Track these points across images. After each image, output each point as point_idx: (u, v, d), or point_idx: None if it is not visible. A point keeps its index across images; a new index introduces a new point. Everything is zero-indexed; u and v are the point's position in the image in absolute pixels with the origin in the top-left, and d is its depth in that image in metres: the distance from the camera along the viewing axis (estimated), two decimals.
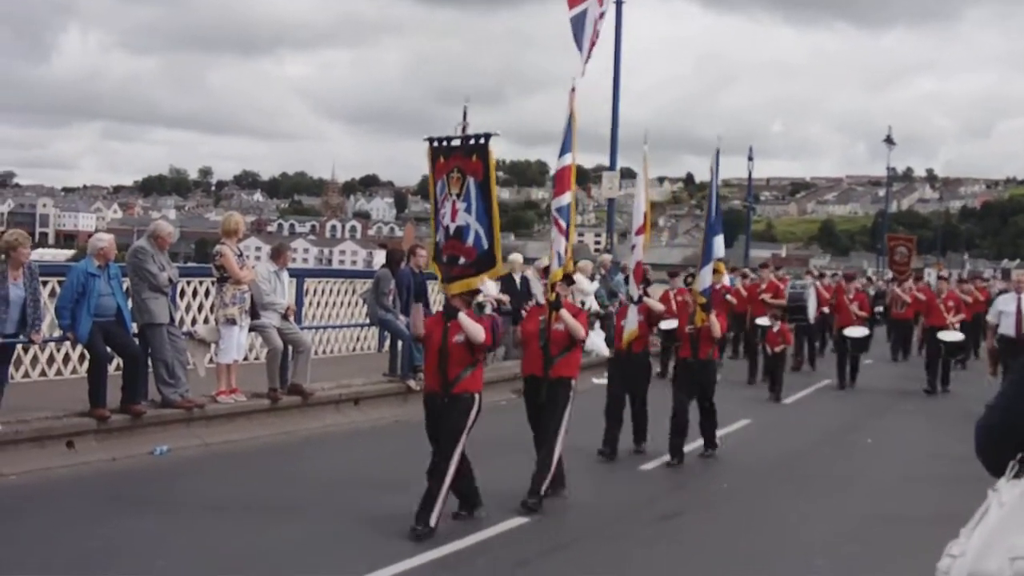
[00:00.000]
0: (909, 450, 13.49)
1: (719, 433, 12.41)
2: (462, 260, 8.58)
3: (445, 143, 8.79)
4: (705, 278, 11.80)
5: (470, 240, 8.53)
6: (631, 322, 11.66)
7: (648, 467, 11.43)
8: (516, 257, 19.08)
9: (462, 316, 8.36)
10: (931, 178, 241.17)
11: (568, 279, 9.72)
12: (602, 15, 22.40)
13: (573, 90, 9.57)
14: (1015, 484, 2.67)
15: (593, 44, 22.52)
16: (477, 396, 8.48)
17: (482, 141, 8.58)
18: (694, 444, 12.04)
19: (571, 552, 8.14)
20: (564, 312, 9.43)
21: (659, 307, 12.14)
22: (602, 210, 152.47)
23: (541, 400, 9.43)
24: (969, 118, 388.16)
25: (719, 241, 12.44)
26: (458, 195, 8.56)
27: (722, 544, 8.52)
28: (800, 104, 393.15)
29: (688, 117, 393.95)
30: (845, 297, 20.49)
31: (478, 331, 8.34)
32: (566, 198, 9.57)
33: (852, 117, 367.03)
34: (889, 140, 51.04)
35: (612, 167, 25.87)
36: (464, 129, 9.03)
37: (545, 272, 9.64)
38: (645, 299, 11.81)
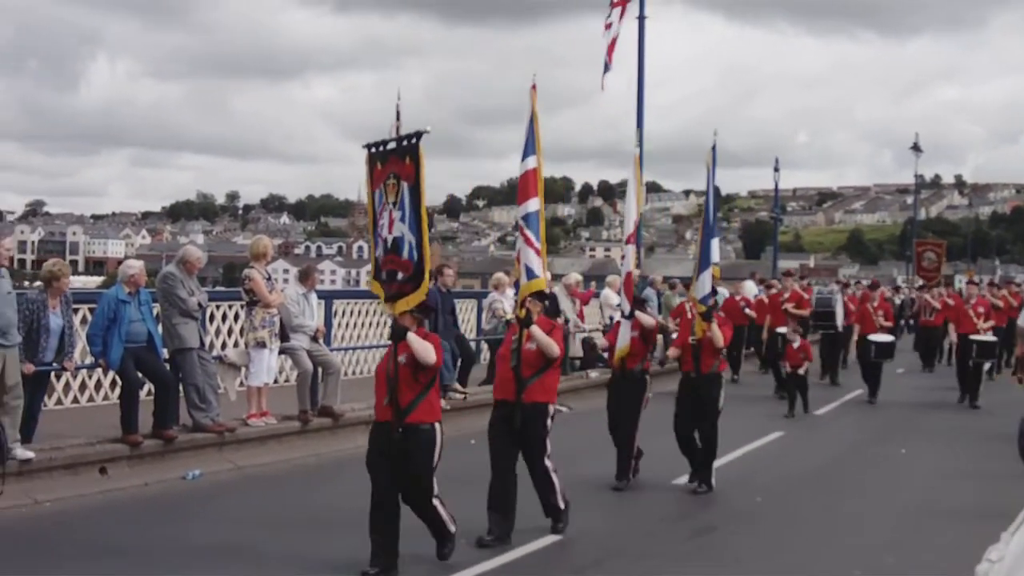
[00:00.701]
0: (942, 461, 13.36)
1: (718, 464, 11.28)
2: (400, 275, 7.79)
3: (381, 147, 7.95)
4: (704, 284, 11.01)
5: (405, 253, 7.73)
6: (623, 338, 10.98)
7: (679, 482, 11.35)
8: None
9: (411, 336, 7.60)
10: (960, 184, 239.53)
11: (541, 295, 8.98)
12: (608, 26, 22.71)
13: (533, 87, 8.93)
14: None
15: (611, 51, 22.73)
16: (436, 427, 7.72)
17: (414, 141, 7.66)
18: (730, 457, 11.93)
19: (604, 571, 8.09)
20: (536, 329, 8.66)
21: (651, 322, 11.23)
22: None
23: (515, 427, 8.59)
24: (997, 123, 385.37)
25: (716, 245, 11.89)
26: (394, 204, 7.76)
27: (757, 558, 8.46)
28: (825, 114, 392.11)
29: (713, 130, 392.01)
30: (869, 306, 19.87)
31: (427, 351, 7.56)
32: (532, 204, 8.85)
33: (878, 126, 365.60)
34: (916, 147, 50.75)
35: None
36: (398, 130, 8.06)
37: (531, 295, 8.71)
38: (637, 314, 11.08)
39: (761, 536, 9.23)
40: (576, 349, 18.81)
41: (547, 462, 8.69)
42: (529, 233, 8.79)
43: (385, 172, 7.83)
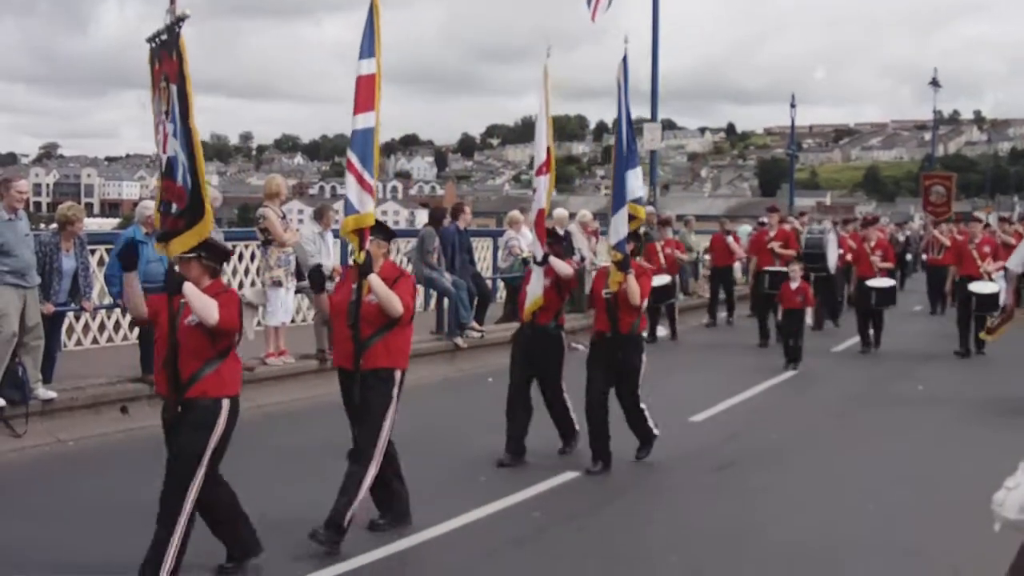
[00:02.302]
0: (959, 397, 13.37)
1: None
2: (175, 207, 6.16)
3: (158, 41, 6.18)
4: (619, 226, 9.04)
5: (179, 177, 6.08)
6: (535, 288, 9.32)
7: (697, 419, 11.41)
8: (560, 212, 19.04)
9: (188, 289, 6.01)
10: (979, 120, 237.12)
11: (383, 230, 7.26)
12: None
13: None
14: None
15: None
16: (225, 404, 6.12)
17: (177, 30, 6.00)
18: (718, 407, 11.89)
19: (627, 503, 8.19)
20: (375, 279, 6.92)
21: (567, 270, 9.46)
22: (643, 163, 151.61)
23: (355, 400, 7.06)
24: (1018, 59, 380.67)
25: (635, 177, 9.48)
26: (166, 114, 6.11)
27: (777, 492, 8.53)
28: (844, 50, 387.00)
29: (728, 66, 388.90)
30: (866, 245, 17.61)
31: (207, 308, 5.94)
32: (363, 120, 7.05)
33: (897, 62, 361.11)
34: (935, 82, 50.25)
35: (653, 119, 25.69)
36: (174, 16, 5.72)
37: (374, 233, 7.15)
38: (551, 260, 9.31)
39: (780, 471, 9.28)
40: None
41: (371, 465, 6.94)
42: (352, 156, 7.08)
43: (159, 73, 6.17)
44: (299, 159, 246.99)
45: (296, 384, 12.21)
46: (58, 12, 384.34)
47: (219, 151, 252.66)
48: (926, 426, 11.39)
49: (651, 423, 9.36)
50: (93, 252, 11.83)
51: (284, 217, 12.28)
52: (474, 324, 14.93)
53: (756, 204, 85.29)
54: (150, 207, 11.15)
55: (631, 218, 9.17)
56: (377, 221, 7.13)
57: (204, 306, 5.93)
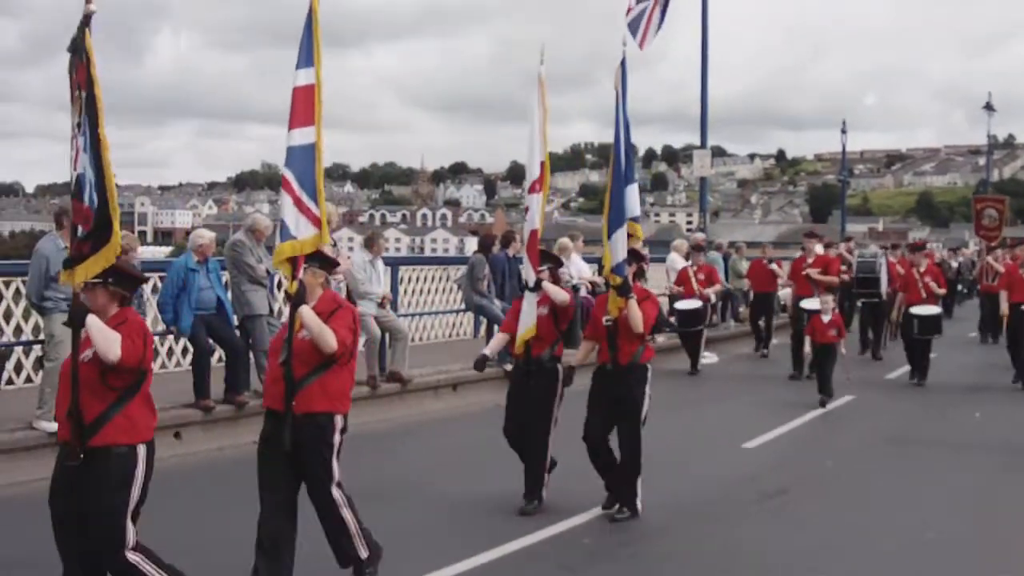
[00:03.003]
0: (1015, 426, 13.15)
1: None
2: (80, 230, 5.54)
3: (73, 47, 5.58)
4: (618, 248, 8.27)
5: (86, 196, 5.49)
6: (527, 317, 8.45)
7: (749, 445, 11.31)
8: (564, 242, 19.03)
9: (91, 322, 5.38)
10: None
11: (320, 257, 6.50)
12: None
13: None
14: None
15: (650, 23, 22.36)
16: (136, 452, 5.48)
17: (85, 29, 5.48)
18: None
19: (673, 532, 8.09)
20: (306, 312, 6.22)
21: (563, 296, 8.61)
22: (693, 190, 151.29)
23: (285, 446, 6.19)
24: None
25: (633, 194, 8.72)
26: (78, 126, 5.55)
27: (829, 521, 8.41)
28: (895, 74, 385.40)
29: (778, 92, 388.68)
30: (915, 271, 16.65)
31: (108, 344, 5.32)
32: (300, 136, 6.39)
33: (949, 85, 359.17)
34: (989, 106, 49.69)
35: (703, 145, 25.66)
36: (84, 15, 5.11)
37: (310, 262, 6.51)
38: (545, 286, 8.52)
39: (832, 499, 9.17)
40: None
41: (335, 493, 6.38)
42: (289, 175, 6.38)
43: (74, 83, 5.60)
44: (349, 187, 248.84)
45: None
46: (114, 43, 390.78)
47: (270, 180, 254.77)
48: (982, 457, 11.20)
49: (640, 485, 8.31)
50: (147, 280, 11.98)
51: (335, 245, 12.35)
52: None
53: (807, 230, 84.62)
54: (204, 236, 11.34)
55: (629, 238, 8.50)
56: (317, 249, 6.44)
57: (105, 339, 5.31)
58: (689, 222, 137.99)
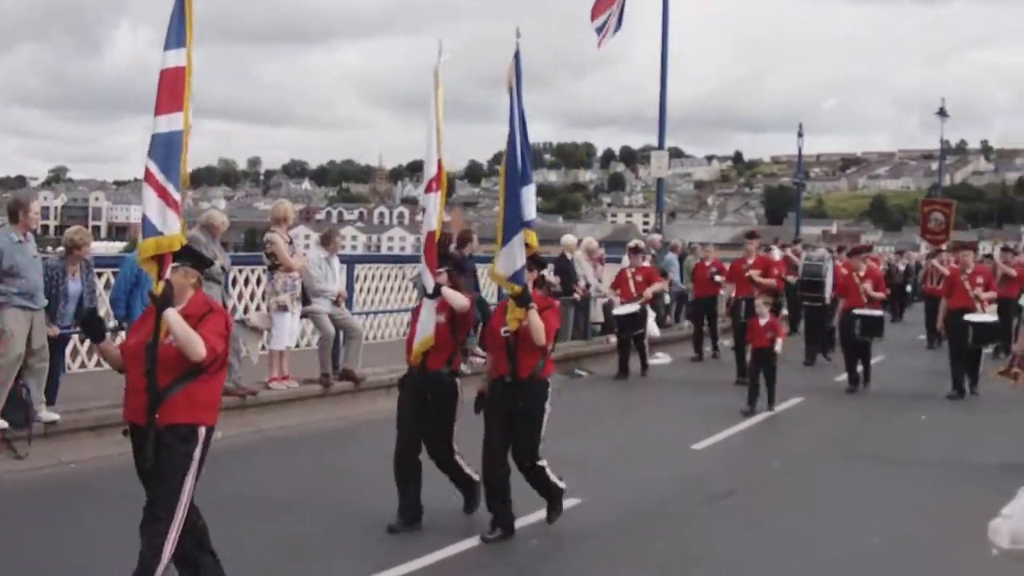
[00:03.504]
0: (961, 428, 13.34)
1: None
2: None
3: None
4: (515, 254, 7.74)
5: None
6: (425, 325, 7.90)
7: (698, 447, 11.40)
8: (569, 238, 19.15)
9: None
10: (986, 150, 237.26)
11: (192, 255, 5.99)
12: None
13: None
14: None
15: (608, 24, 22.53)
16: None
17: None
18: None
19: (627, 530, 8.14)
20: (171, 316, 5.62)
21: (463, 302, 8.07)
22: (650, 191, 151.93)
23: (147, 462, 5.72)
24: None
25: (529, 196, 8.12)
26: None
27: (776, 523, 8.50)
28: (852, 79, 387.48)
29: (737, 95, 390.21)
30: (855, 275, 16.29)
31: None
32: (167, 123, 5.87)
33: (905, 92, 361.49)
34: (942, 112, 50.24)
35: (660, 146, 25.78)
36: None
37: (178, 261, 5.90)
38: (445, 291, 8.02)
39: (780, 501, 9.26)
40: (597, 314, 18.86)
41: (177, 515, 5.72)
42: (152, 165, 5.83)
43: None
44: (307, 184, 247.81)
45: (299, 408, 12.22)
46: (71, 37, 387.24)
47: (227, 176, 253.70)
48: (927, 460, 11.35)
49: (554, 477, 7.97)
50: (100, 275, 11.89)
51: (291, 242, 12.32)
52: (477, 350, 14.92)
53: (763, 232, 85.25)
54: None
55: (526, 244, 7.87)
56: (187, 245, 5.92)
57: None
58: (646, 223, 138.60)
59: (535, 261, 8.05)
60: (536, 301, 7.72)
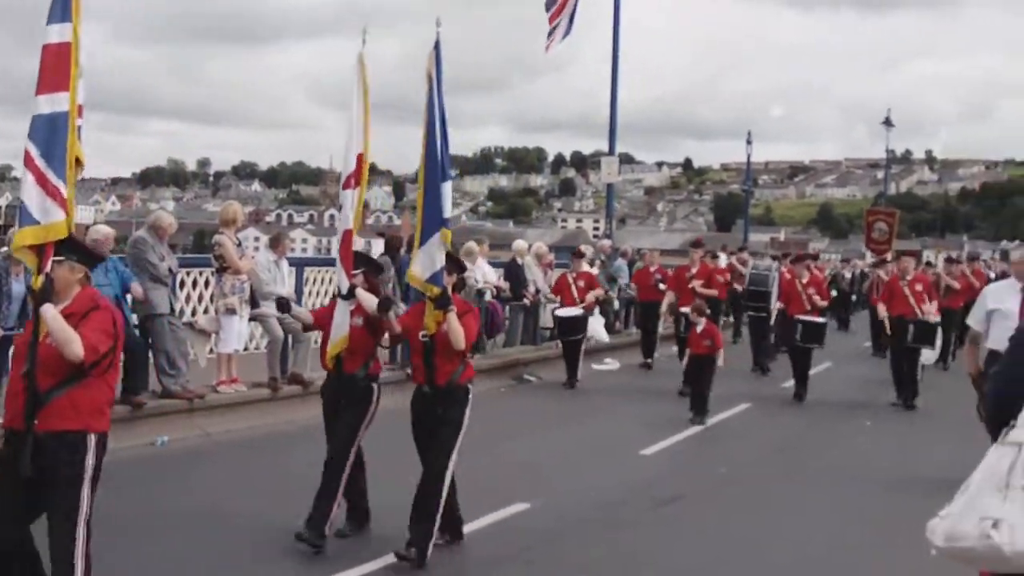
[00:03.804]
0: (905, 433, 13.53)
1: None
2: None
3: None
4: (434, 255, 7.39)
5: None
6: (339, 327, 7.66)
7: (646, 452, 11.46)
8: (520, 244, 19.19)
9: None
10: (930, 160, 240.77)
11: (75, 247, 5.54)
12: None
13: None
14: (996, 449, 2.76)
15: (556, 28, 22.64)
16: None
17: None
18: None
19: (570, 538, 8.17)
20: (48, 312, 5.22)
21: (375, 303, 7.63)
22: (601, 196, 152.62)
23: (24, 471, 5.18)
24: (969, 100, 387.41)
25: (446, 194, 7.59)
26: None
27: (722, 529, 8.57)
28: (801, 88, 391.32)
29: (687, 102, 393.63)
30: (797, 283, 16.05)
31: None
32: (55, 102, 5.42)
33: (853, 101, 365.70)
34: (888, 122, 50.92)
35: (611, 152, 25.88)
36: None
37: (61, 253, 5.38)
38: (359, 293, 7.69)
39: (725, 507, 9.34)
40: (546, 319, 18.89)
41: (79, 533, 5.26)
42: (33, 149, 5.38)
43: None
44: (257, 186, 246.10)
45: (248, 412, 12.13)
46: (17, 32, 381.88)
47: (176, 176, 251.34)
48: (872, 466, 11.50)
49: (440, 509, 7.32)
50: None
51: (240, 244, 12.25)
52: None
53: (712, 239, 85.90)
54: (100, 232, 11.14)
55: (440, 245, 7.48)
56: (72, 237, 5.47)
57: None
58: (596, 228, 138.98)
59: (455, 263, 7.74)
60: (456, 305, 7.42)
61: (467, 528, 7.94)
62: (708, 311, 14.04)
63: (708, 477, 10.53)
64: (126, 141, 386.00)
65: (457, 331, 7.29)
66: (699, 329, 13.55)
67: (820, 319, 15.96)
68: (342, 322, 7.65)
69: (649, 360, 19.18)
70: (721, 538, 8.30)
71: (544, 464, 10.67)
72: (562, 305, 17.04)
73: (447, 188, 7.57)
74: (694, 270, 17.13)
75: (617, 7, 24.39)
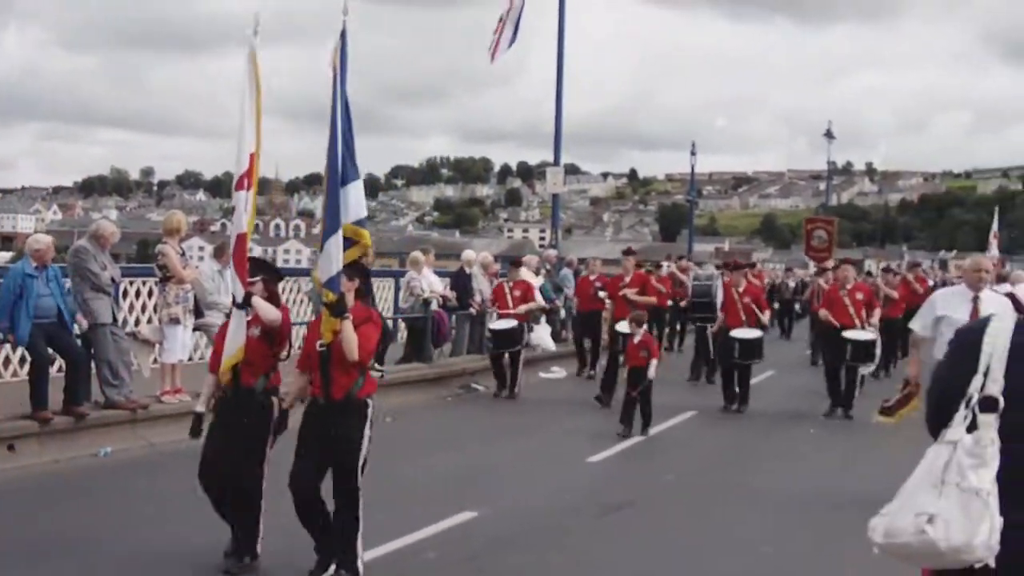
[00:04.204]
0: (849, 439, 13.69)
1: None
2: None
3: None
4: (332, 257, 6.85)
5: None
6: (235, 338, 7.19)
7: (594, 459, 11.50)
8: (469, 254, 19.22)
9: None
10: (870, 171, 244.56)
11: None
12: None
13: None
14: (935, 448, 2.84)
15: (500, 37, 22.72)
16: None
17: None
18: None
19: (519, 545, 8.17)
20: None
21: (274, 315, 7.18)
22: (547, 206, 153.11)
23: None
24: (907, 113, 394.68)
25: (356, 193, 7.25)
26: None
27: (669, 535, 8.61)
28: (744, 100, 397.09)
29: (632, 112, 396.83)
30: (734, 292, 15.65)
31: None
32: None
33: (795, 113, 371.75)
34: (829, 134, 51.60)
35: (556, 163, 25.99)
36: None
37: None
38: (255, 302, 7.17)
39: (673, 513, 9.39)
40: None
41: None
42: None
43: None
44: (201, 195, 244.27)
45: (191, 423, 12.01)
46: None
47: (119, 185, 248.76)
48: (816, 472, 11.63)
49: (360, 543, 6.93)
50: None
51: (183, 254, 12.15)
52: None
53: (657, 249, 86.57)
54: (40, 241, 10.99)
55: (350, 244, 7.09)
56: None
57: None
58: (542, 238, 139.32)
59: (356, 268, 7.13)
60: (355, 312, 6.84)
61: (415, 536, 7.94)
62: (645, 322, 13.56)
63: (655, 484, 10.58)
64: (68, 150, 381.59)
65: (350, 340, 6.71)
66: (636, 340, 13.22)
67: (756, 333, 15.48)
68: (238, 332, 7.17)
69: (591, 372, 18.52)
70: (669, 545, 8.34)
71: (492, 472, 10.67)
72: (498, 314, 16.86)
73: (356, 188, 7.22)
74: (627, 279, 16.86)
75: (562, 18, 24.52)
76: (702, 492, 10.30)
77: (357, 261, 7.22)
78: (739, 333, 15.28)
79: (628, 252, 17.97)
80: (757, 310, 15.55)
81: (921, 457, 2.88)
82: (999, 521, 2.67)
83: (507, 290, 16.99)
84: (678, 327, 23.81)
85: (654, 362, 13.06)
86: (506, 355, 16.55)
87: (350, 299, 6.90)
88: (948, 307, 8.68)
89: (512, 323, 16.41)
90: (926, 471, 2.80)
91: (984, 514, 2.67)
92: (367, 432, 6.88)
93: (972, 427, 2.78)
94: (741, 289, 15.63)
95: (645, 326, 13.44)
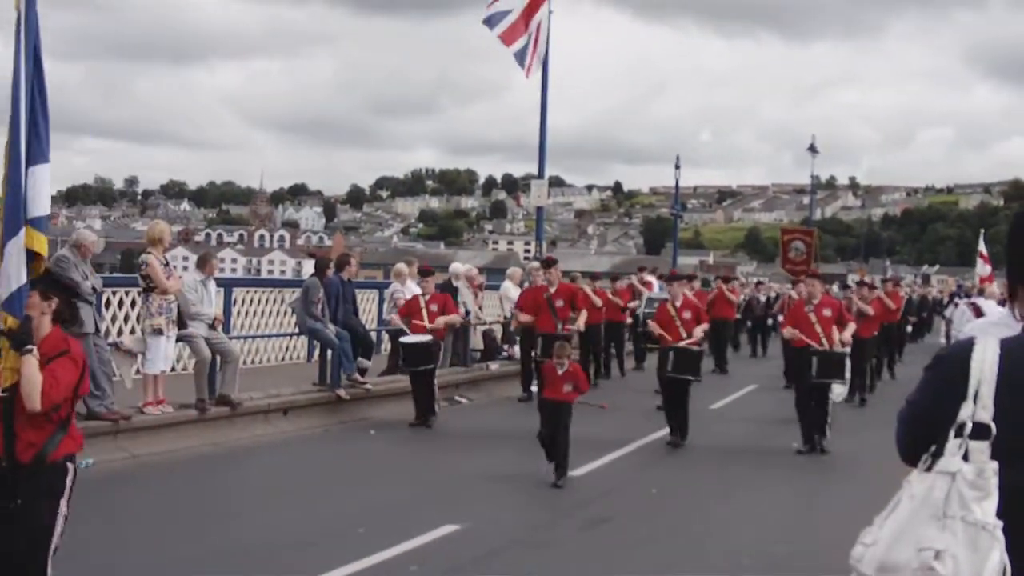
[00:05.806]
0: (829, 458, 13.73)
1: None
2: None
3: None
4: (11, 267, 5.08)
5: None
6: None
7: (577, 473, 11.50)
8: (456, 267, 19.25)
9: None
10: (854, 186, 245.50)
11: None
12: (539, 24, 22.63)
13: None
14: (925, 478, 2.75)
15: (536, 46, 22.78)
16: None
17: None
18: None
19: (502, 560, 8.18)
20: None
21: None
22: (532, 219, 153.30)
23: None
24: (890, 128, 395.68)
25: (43, 178, 5.49)
26: None
27: (650, 549, 8.62)
28: (728, 114, 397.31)
29: (618, 126, 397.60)
30: (669, 306, 13.93)
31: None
32: None
33: (779, 127, 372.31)
34: (813, 149, 51.78)
35: (541, 176, 26.01)
36: None
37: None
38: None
39: (655, 527, 9.40)
40: (477, 341, 18.92)
41: None
42: None
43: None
44: (185, 205, 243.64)
45: (174, 434, 11.99)
46: None
47: (103, 195, 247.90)
48: (795, 485, 11.66)
49: None
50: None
51: (167, 264, 12.13)
52: (357, 376, 14.86)
53: (641, 261, 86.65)
54: None
55: (33, 256, 5.24)
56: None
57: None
58: (527, 251, 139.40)
59: (52, 282, 5.45)
60: (47, 344, 5.05)
61: (397, 549, 7.94)
62: (571, 353, 11.89)
63: (636, 499, 10.59)
64: (52, 158, 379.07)
65: (32, 382, 4.88)
66: (560, 371, 10.99)
67: (695, 347, 13.70)
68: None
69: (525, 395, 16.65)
70: (651, 555, 8.35)
71: (473, 486, 10.66)
72: (412, 328, 14.84)
73: (41, 172, 5.46)
74: (552, 290, 15.56)
75: (547, 31, 24.57)
76: (683, 507, 10.32)
77: (52, 273, 5.85)
78: (679, 346, 13.46)
79: (547, 263, 16.52)
80: (696, 326, 13.69)
81: (895, 484, 2.84)
82: (1006, 557, 2.62)
83: (423, 303, 15.06)
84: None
85: (578, 398, 11.23)
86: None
87: (45, 325, 5.13)
88: (965, 321, 7.55)
89: (426, 338, 14.57)
90: (920, 502, 2.73)
91: (993, 546, 2.62)
92: (61, 512, 5.07)
93: (966, 456, 2.72)
94: (679, 303, 13.94)
95: (572, 355, 11.83)
